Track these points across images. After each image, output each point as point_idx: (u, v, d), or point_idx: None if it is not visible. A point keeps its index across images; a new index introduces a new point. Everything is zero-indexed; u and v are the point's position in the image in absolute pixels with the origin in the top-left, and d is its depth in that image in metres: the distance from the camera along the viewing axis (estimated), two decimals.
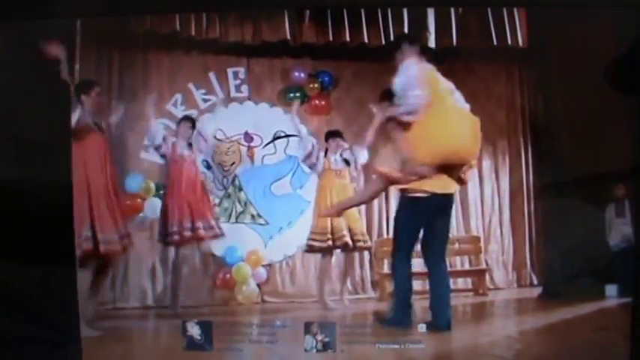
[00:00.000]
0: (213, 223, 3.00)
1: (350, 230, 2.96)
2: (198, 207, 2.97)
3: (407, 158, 2.49)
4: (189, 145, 2.97)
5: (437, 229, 2.55)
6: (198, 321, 2.25)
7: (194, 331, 2.23)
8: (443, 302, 2.46)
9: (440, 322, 2.40)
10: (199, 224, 2.96)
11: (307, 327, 2.21)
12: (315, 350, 2.19)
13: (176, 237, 2.95)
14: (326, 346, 2.18)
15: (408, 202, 2.54)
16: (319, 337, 2.18)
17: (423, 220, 2.53)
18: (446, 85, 2.48)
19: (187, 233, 2.95)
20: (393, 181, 2.58)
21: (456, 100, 2.48)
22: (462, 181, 2.58)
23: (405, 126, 2.51)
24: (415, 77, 2.48)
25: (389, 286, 2.99)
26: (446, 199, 2.54)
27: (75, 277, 2.23)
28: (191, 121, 3.00)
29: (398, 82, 2.50)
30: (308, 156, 3.00)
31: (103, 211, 2.63)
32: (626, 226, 2.59)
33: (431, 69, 2.49)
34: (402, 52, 2.52)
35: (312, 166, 3.03)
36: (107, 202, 2.65)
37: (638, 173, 2.29)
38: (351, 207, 2.92)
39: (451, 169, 2.49)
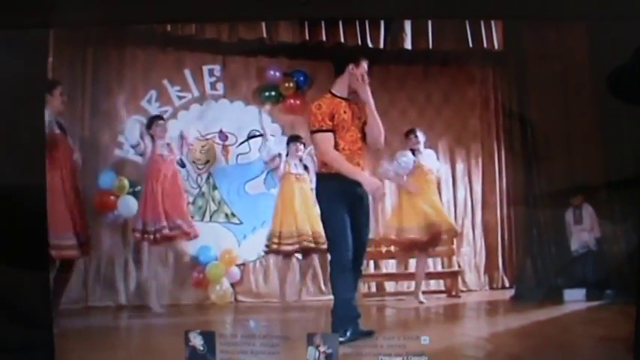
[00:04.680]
0: (192, 222, 3.00)
1: (313, 233, 2.98)
2: (177, 206, 2.96)
3: None
4: (167, 144, 2.97)
5: None
6: (200, 331, 2.22)
7: (197, 341, 2.20)
8: None
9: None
10: (179, 222, 2.96)
11: (310, 338, 2.17)
12: None
13: (153, 236, 2.93)
14: (328, 358, 2.15)
15: None
16: (322, 349, 2.15)
17: None
18: None
19: (166, 232, 2.94)
20: None
21: None
22: None
23: None
24: None
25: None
26: None
27: (48, 277, 2.21)
28: (164, 121, 2.99)
29: None
30: (272, 159, 3.00)
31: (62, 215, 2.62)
32: (584, 233, 2.66)
33: None
34: None
35: (275, 169, 3.03)
36: (67, 206, 2.65)
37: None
38: None
39: None
